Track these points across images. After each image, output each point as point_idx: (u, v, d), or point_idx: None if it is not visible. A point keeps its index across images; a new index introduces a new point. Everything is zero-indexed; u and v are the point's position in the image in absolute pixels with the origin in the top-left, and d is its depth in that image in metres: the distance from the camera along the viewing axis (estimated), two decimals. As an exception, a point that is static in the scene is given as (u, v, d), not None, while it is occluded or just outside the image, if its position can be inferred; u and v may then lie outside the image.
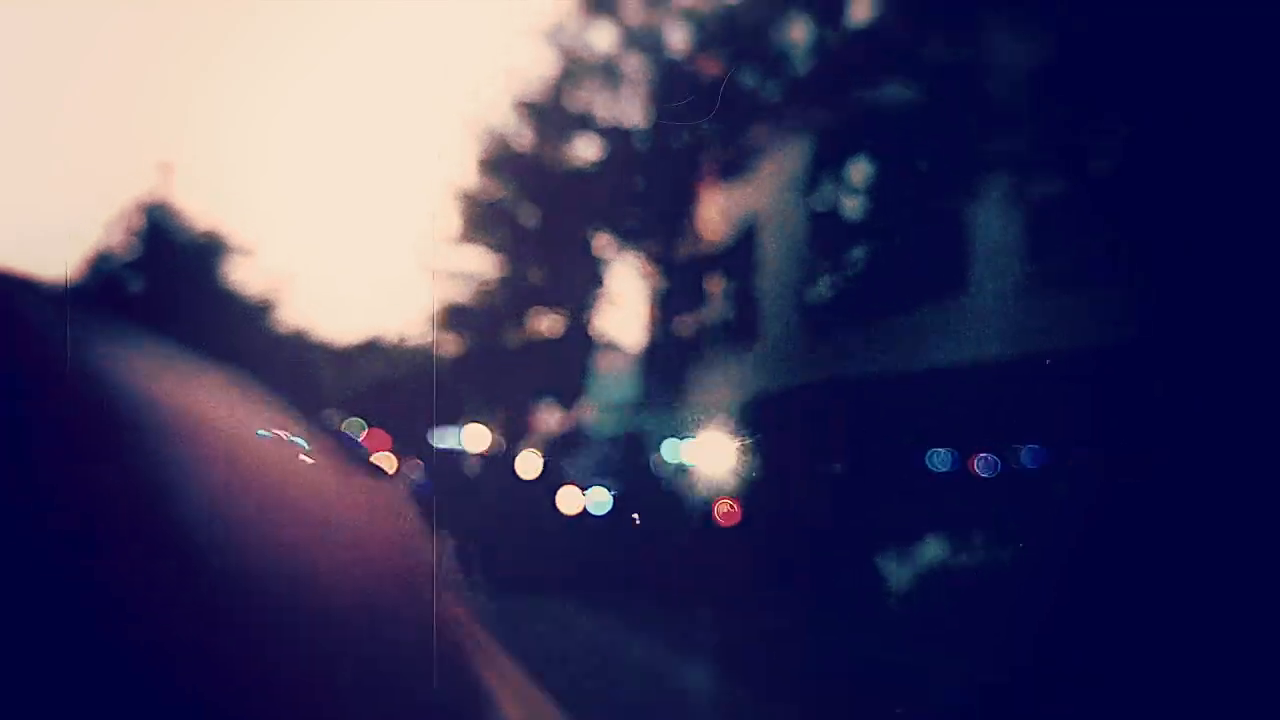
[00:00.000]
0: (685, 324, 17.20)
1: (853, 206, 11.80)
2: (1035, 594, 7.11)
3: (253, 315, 22.26)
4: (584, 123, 16.61)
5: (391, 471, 21.43)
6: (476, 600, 9.46)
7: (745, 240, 14.75)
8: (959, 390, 9.34)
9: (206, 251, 21.13)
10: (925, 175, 10.04)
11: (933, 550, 8.38)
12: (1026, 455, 8.71)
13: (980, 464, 9.35)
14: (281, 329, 25.59)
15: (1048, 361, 8.03)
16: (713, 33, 14.43)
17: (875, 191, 11.25)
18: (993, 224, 9.06)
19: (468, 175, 18.83)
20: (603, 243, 17.33)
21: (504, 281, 18.91)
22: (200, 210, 24.32)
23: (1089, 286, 8.15)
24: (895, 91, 10.29)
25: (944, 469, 9.71)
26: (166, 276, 20.00)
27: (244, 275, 21.83)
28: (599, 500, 13.76)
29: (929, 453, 9.91)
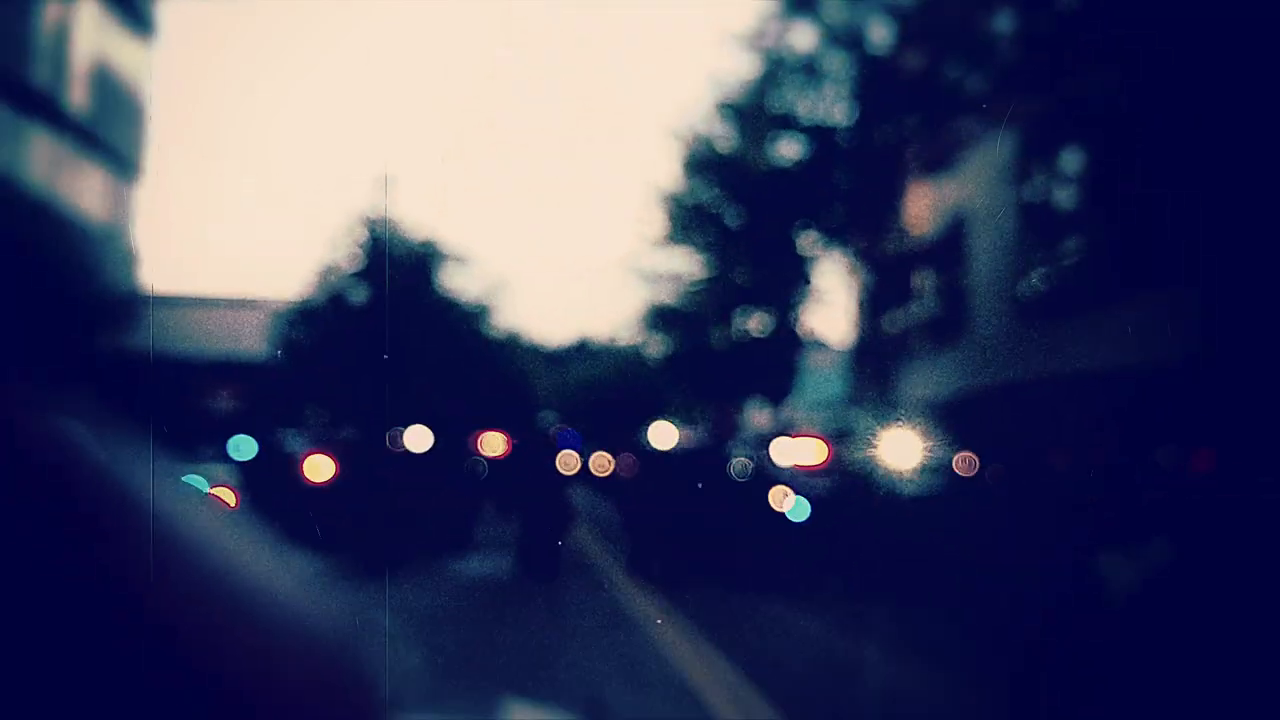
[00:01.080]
0: (893, 320, 17.05)
1: (1064, 197, 11.53)
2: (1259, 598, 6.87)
3: (469, 320, 23.09)
4: (786, 122, 16.67)
5: (609, 469, 21.96)
6: (682, 596, 9.68)
7: (953, 234, 14.55)
8: (1179, 386, 9.05)
9: (425, 261, 22.02)
10: (1138, 163, 9.74)
11: (1156, 552, 8.15)
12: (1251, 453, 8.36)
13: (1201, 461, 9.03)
14: (496, 333, 26.47)
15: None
16: (915, 26, 14.29)
17: (1087, 181, 10.97)
18: (1212, 212, 8.73)
19: (673, 178, 19.10)
20: (808, 241, 17.35)
21: (711, 282, 19.11)
22: (418, 221, 25.40)
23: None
24: (1105, 78, 10.02)
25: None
26: (388, 286, 20.97)
27: (460, 282, 22.69)
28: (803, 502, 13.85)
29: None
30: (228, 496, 11.15)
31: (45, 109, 13.58)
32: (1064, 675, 6.92)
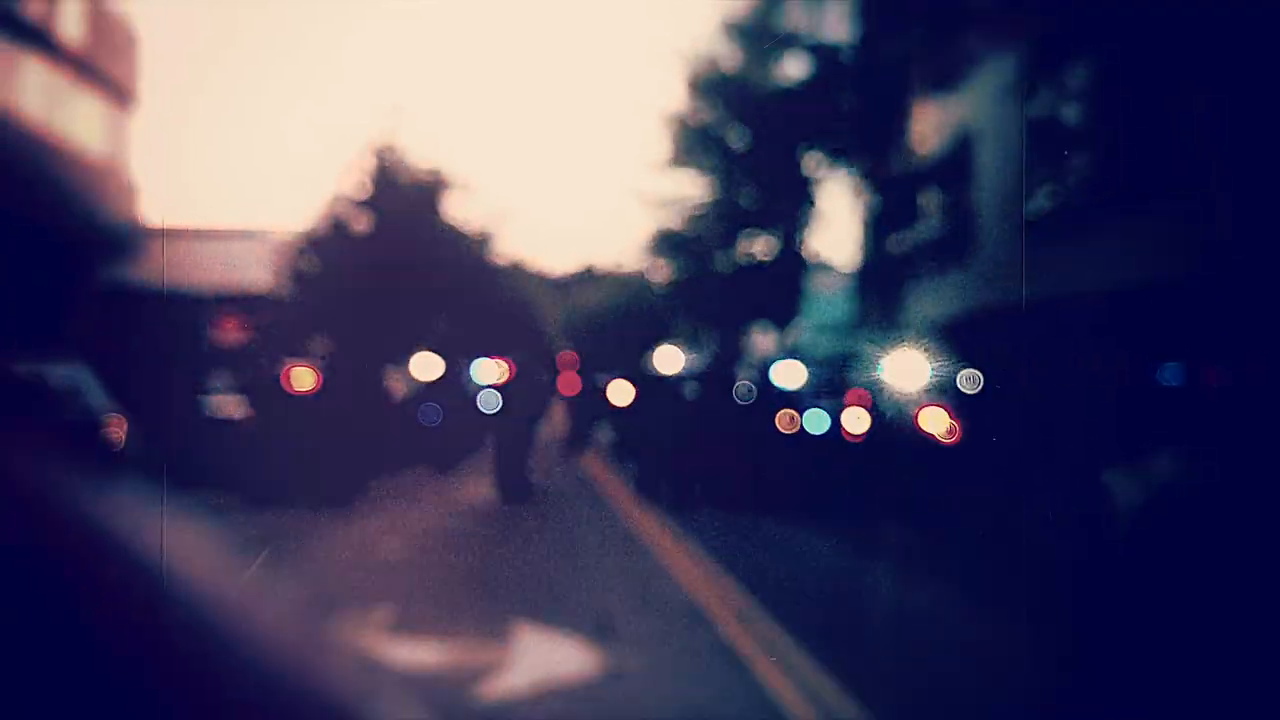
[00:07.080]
0: (899, 242, 16.94)
1: (1072, 113, 11.36)
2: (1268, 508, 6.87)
3: (474, 249, 22.97)
4: (791, 41, 16.45)
5: (629, 400, 21.96)
6: (689, 518, 9.72)
7: (959, 153, 14.39)
8: (1189, 303, 8.98)
9: (431, 189, 21.89)
10: (1147, 76, 9.57)
11: (1164, 466, 8.13)
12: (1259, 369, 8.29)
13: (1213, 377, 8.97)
14: (500, 261, 26.34)
15: None
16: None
17: (1095, 96, 10.80)
18: (1222, 125, 8.58)
19: (677, 100, 18.88)
20: (813, 162, 17.18)
21: (715, 205, 18.94)
22: (426, 150, 25.16)
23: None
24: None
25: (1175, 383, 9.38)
26: (394, 214, 20.89)
27: (465, 211, 22.53)
28: (816, 421, 13.84)
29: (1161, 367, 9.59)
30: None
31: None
32: (1073, 590, 6.94)
